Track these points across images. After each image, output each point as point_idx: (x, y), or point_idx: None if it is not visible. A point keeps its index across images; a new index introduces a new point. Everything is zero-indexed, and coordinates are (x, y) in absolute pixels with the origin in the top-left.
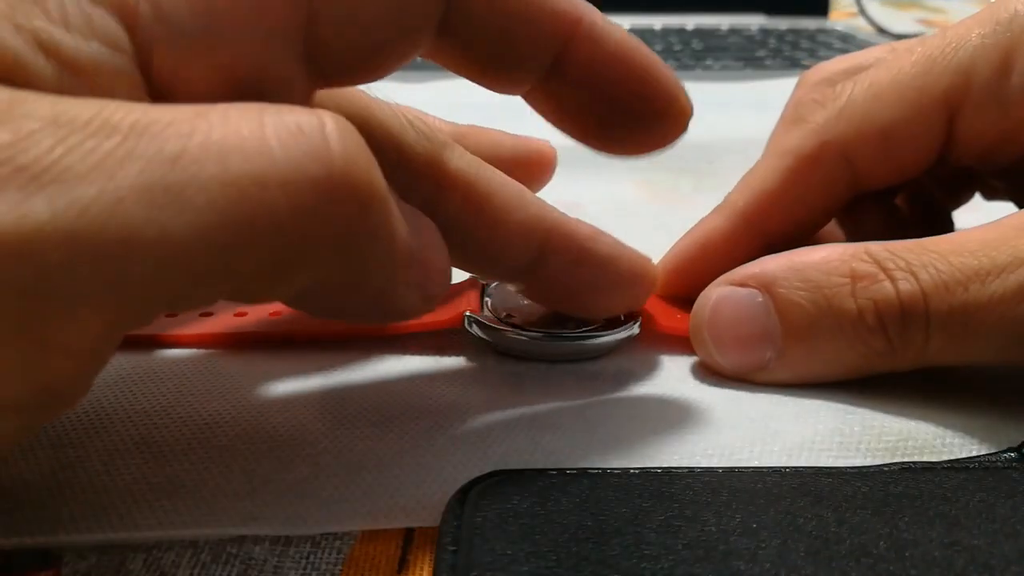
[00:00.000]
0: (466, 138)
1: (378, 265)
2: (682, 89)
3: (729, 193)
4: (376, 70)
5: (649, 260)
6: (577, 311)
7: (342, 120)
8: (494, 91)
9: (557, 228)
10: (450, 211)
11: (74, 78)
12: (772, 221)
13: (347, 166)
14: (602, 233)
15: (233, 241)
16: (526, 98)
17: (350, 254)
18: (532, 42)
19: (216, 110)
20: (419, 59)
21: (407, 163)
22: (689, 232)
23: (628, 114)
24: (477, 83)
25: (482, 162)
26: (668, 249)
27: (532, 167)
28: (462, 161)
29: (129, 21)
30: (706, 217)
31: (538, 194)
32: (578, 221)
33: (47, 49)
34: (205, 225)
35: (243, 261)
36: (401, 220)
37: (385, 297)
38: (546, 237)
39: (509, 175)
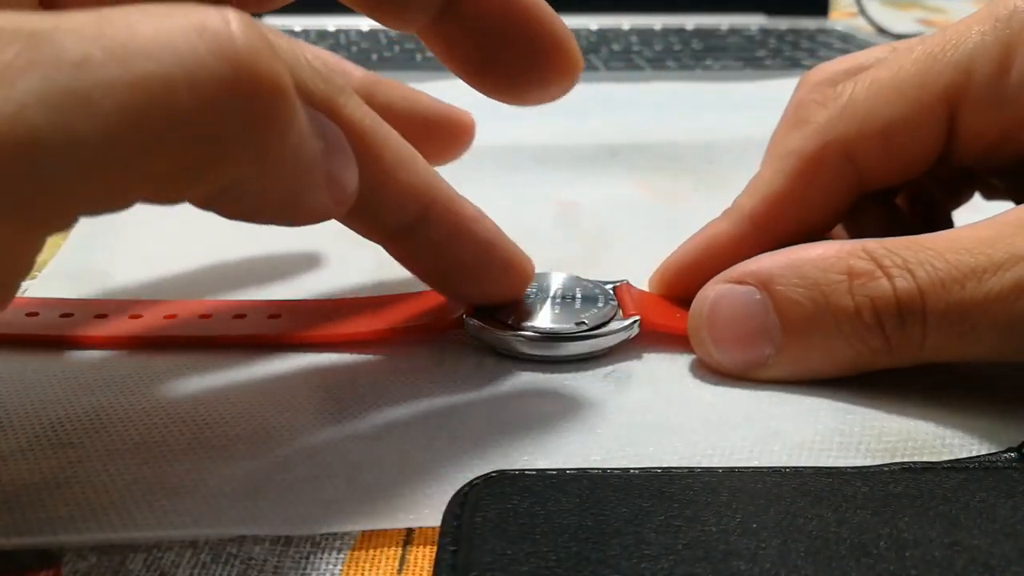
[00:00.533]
0: (378, 86)
1: (288, 164)
2: (572, 39)
3: (737, 197)
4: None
5: (526, 257)
6: (442, 288)
7: (246, 17)
8: (389, 27)
9: (441, 200)
10: None
11: None
12: (779, 224)
13: (253, 62)
14: (486, 217)
15: (143, 142)
16: (420, 36)
17: (260, 151)
18: None
19: (118, 12)
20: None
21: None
22: (695, 235)
23: (518, 60)
24: (372, 19)
25: (379, 118)
26: (669, 249)
27: (446, 132)
28: (357, 110)
29: None
30: (713, 221)
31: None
32: (465, 200)
33: None
34: (113, 128)
35: (155, 162)
36: (309, 121)
37: (296, 198)
38: (428, 205)
39: (421, 136)
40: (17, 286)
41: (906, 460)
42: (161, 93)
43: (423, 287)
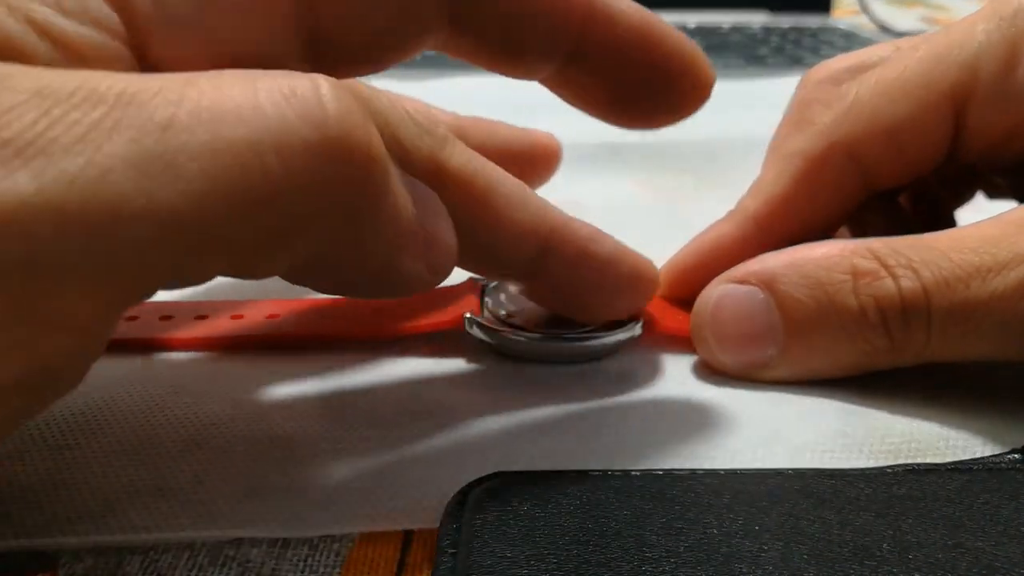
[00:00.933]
0: (466, 130)
1: (380, 233)
2: (701, 54)
3: (741, 198)
4: (381, 61)
5: (650, 263)
6: (578, 314)
7: (337, 83)
8: (512, 78)
9: (558, 228)
10: (448, 209)
11: (68, 58)
12: (783, 226)
13: (344, 128)
14: (603, 234)
15: (228, 209)
16: (544, 83)
17: (351, 220)
18: (547, 31)
19: (206, 77)
20: (416, 56)
21: (405, 158)
22: (698, 236)
23: (649, 88)
24: (494, 72)
25: (483, 159)
26: (672, 249)
27: (535, 160)
28: (463, 158)
29: (124, 6)
30: (716, 222)
31: (539, 188)
32: (579, 221)
33: (41, 30)
34: (198, 194)
35: (240, 230)
36: (402, 188)
37: (390, 269)
38: (547, 237)
39: (511, 168)
40: (90, 365)
41: (909, 462)
42: (249, 160)
43: None
